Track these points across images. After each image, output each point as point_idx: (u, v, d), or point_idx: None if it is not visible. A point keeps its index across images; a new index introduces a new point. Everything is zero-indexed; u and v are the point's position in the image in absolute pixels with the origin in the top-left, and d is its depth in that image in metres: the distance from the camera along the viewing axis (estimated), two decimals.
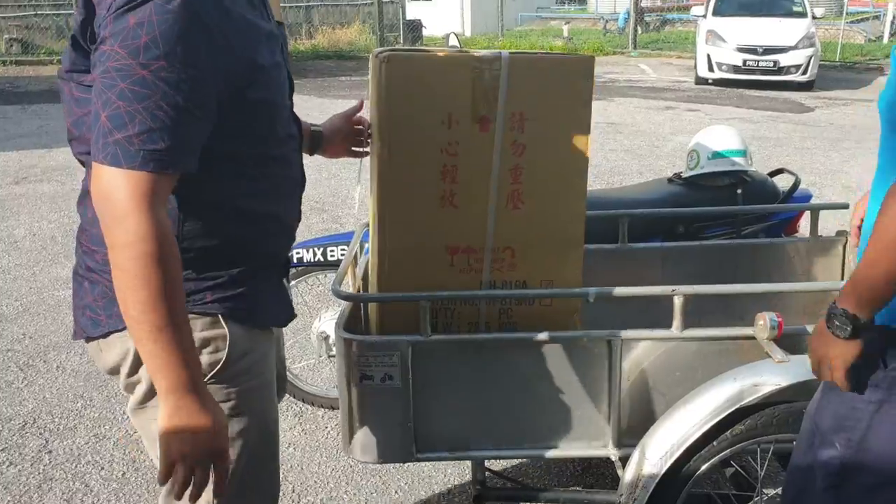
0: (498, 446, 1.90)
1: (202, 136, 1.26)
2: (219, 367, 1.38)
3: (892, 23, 17.94)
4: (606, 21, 20.93)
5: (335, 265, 2.90)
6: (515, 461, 2.82)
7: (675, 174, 3.12)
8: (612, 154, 7.55)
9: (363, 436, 1.86)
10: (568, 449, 1.91)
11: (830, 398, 1.51)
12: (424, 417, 1.86)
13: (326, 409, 3.19)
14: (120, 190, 1.17)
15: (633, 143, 8.09)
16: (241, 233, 1.39)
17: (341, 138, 1.92)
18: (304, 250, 2.94)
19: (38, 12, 15.97)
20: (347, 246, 2.66)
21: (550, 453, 1.90)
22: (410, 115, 1.72)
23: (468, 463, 2.63)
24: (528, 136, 1.76)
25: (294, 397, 3.18)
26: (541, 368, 1.86)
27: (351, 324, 1.91)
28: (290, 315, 1.56)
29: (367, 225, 2.33)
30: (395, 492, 2.70)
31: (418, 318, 1.79)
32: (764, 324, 1.75)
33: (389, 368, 1.80)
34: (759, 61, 11.82)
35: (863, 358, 1.40)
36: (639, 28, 18.03)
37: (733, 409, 1.74)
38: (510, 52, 1.71)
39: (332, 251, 2.93)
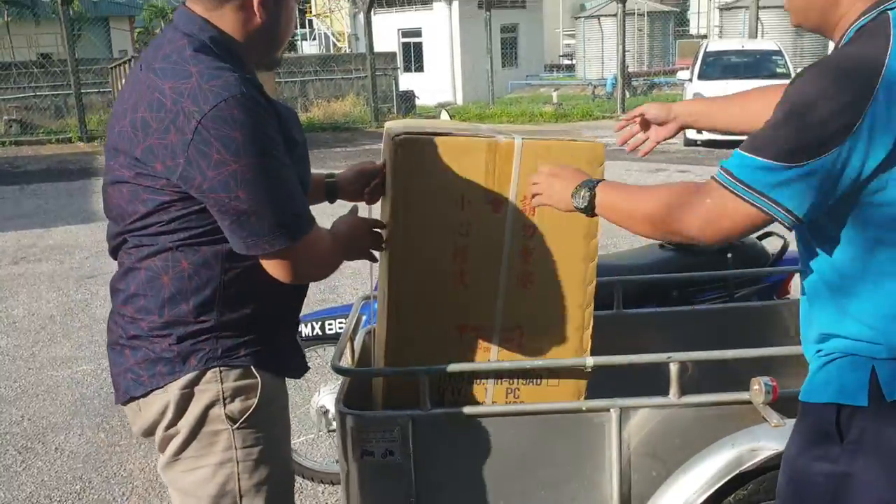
0: None
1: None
2: (250, 412, 1.55)
3: None
4: (595, 86, 21.39)
5: (334, 339, 2.92)
6: None
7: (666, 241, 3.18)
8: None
9: None
10: None
11: (791, 476, 1.49)
12: (427, 493, 1.86)
13: (326, 485, 3.16)
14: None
15: None
16: (268, 298, 1.56)
17: (356, 189, 1.95)
18: (302, 325, 2.97)
19: (38, 93, 16.31)
20: (345, 319, 2.69)
21: None
22: (424, 196, 1.78)
23: None
24: (539, 219, 1.81)
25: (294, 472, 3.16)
26: (542, 440, 1.87)
27: (351, 398, 1.92)
28: (305, 367, 1.73)
29: (367, 298, 2.37)
30: None
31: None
32: (759, 388, 1.77)
33: (390, 444, 1.82)
34: None
35: (817, 435, 1.42)
36: (626, 92, 18.44)
37: (733, 474, 1.75)
38: (523, 139, 1.78)
39: (329, 325, 2.95)
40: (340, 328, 2.92)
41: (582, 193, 1.56)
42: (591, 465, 1.88)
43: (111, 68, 15.39)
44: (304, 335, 2.97)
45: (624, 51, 17.89)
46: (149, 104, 1.42)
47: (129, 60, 13.14)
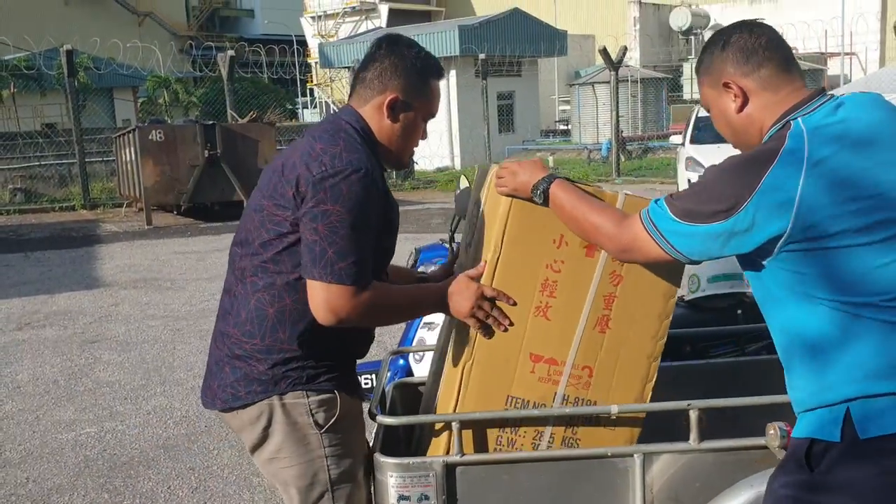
0: None
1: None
2: (333, 421, 1.91)
3: None
4: (590, 151, 21.75)
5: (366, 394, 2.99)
6: None
7: (678, 297, 3.25)
8: None
9: None
10: None
11: (773, 498, 1.59)
12: None
13: None
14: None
15: None
16: (346, 337, 1.92)
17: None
18: None
19: (42, 162, 16.54)
20: (371, 375, 2.75)
21: None
22: (531, 230, 1.89)
23: None
24: (627, 270, 1.91)
25: None
26: (570, 485, 1.90)
27: (385, 447, 1.98)
28: (363, 393, 2.14)
29: (395, 353, 2.48)
30: None
31: (484, 435, 1.91)
32: (774, 433, 1.81)
33: (425, 488, 1.88)
34: None
35: (793, 464, 1.56)
36: (621, 156, 18.76)
37: None
38: (626, 193, 1.89)
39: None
40: (365, 383, 2.98)
41: (541, 188, 1.82)
42: None
43: (115, 137, 15.66)
44: None
45: (618, 116, 18.28)
46: (301, 154, 1.82)
47: (134, 130, 13.37)
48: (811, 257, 1.49)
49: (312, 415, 1.89)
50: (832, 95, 1.60)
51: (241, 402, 1.90)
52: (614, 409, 1.90)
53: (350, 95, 1.98)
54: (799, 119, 1.54)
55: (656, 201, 1.65)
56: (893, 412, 1.46)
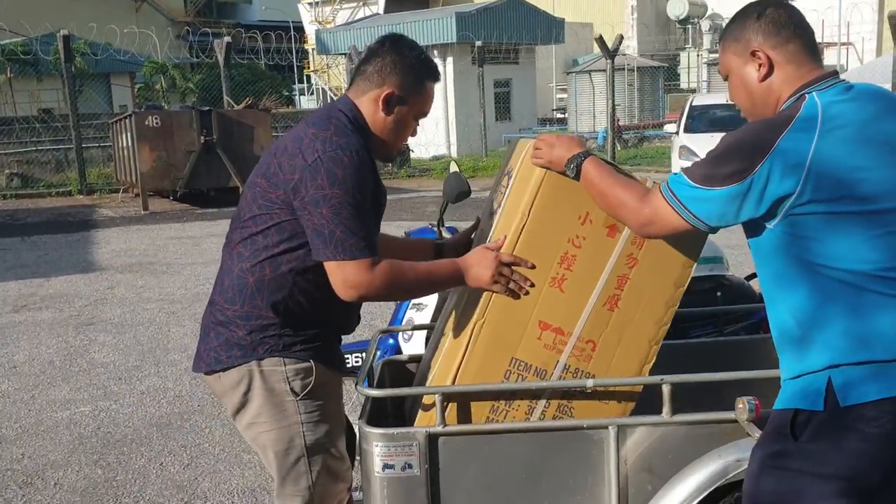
0: None
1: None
2: (308, 389, 2.03)
3: None
4: (586, 139, 21.77)
5: (353, 372, 3.04)
6: None
7: None
8: None
9: None
10: None
11: (754, 471, 1.67)
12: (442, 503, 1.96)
13: None
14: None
15: None
16: (323, 312, 2.04)
17: (459, 249, 2.31)
18: None
19: (39, 147, 16.55)
20: (361, 353, 2.83)
21: None
22: (557, 203, 1.97)
23: None
24: (643, 255, 2.00)
25: None
26: (547, 455, 1.98)
27: (371, 419, 2.07)
28: (345, 368, 2.22)
29: (384, 332, 2.55)
30: None
31: (485, 407, 2.01)
32: (743, 407, 1.88)
33: (409, 457, 1.96)
34: None
35: (777, 434, 1.65)
36: (617, 145, 18.81)
37: (720, 483, 1.87)
38: (654, 181, 1.95)
39: (346, 358, 3.08)
40: (356, 362, 3.06)
41: (575, 163, 1.91)
42: (591, 478, 1.98)
43: (111, 123, 15.67)
44: None
45: (614, 105, 18.30)
46: (293, 138, 1.97)
47: (130, 116, 13.39)
48: (813, 220, 1.58)
49: (289, 382, 2.01)
50: (844, 79, 1.70)
51: (222, 366, 2.03)
52: (589, 382, 1.97)
53: (349, 86, 2.10)
54: (814, 93, 1.64)
55: (675, 174, 1.73)
56: (872, 380, 1.54)
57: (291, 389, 2.02)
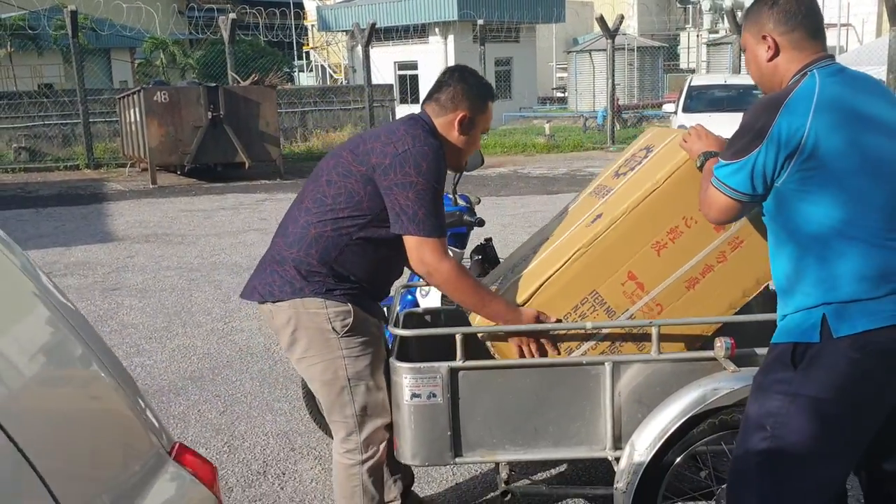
0: (519, 451, 2.36)
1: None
2: (347, 328, 2.39)
3: None
4: (586, 119, 22.02)
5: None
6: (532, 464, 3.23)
7: None
8: None
9: (411, 443, 2.33)
10: (575, 452, 2.38)
11: (757, 396, 2.00)
12: (461, 428, 2.33)
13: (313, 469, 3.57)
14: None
15: None
16: (364, 272, 2.43)
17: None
18: None
19: (46, 122, 16.79)
20: (386, 308, 3.20)
21: (561, 455, 2.37)
22: (684, 183, 2.30)
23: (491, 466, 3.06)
24: (734, 257, 2.36)
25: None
26: (551, 387, 2.33)
27: (401, 355, 2.44)
28: (381, 314, 2.57)
29: (405, 286, 2.92)
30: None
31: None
32: (721, 345, 2.24)
33: (433, 388, 2.30)
34: None
35: (778, 364, 1.95)
36: (616, 124, 19.07)
37: (699, 408, 2.22)
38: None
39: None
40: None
41: (701, 160, 2.22)
42: (589, 408, 2.34)
43: (118, 98, 15.89)
44: None
45: (613, 84, 18.55)
46: (387, 131, 2.41)
47: (139, 91, 13.63)
48: (815, 173, 1.87)
49: (331, 321, 2.37)
50: (838, 62, 2.02)
51: (273, 298, 2.41)
52: (588, 325, 2.32)
53: (423, 106, 2.53)
54: (815, 70, 1.95)
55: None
56: (860, 315, 1.86)
57: (333, 328, 2.37)
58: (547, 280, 2.35)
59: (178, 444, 1.45)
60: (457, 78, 2.50)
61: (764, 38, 2.03)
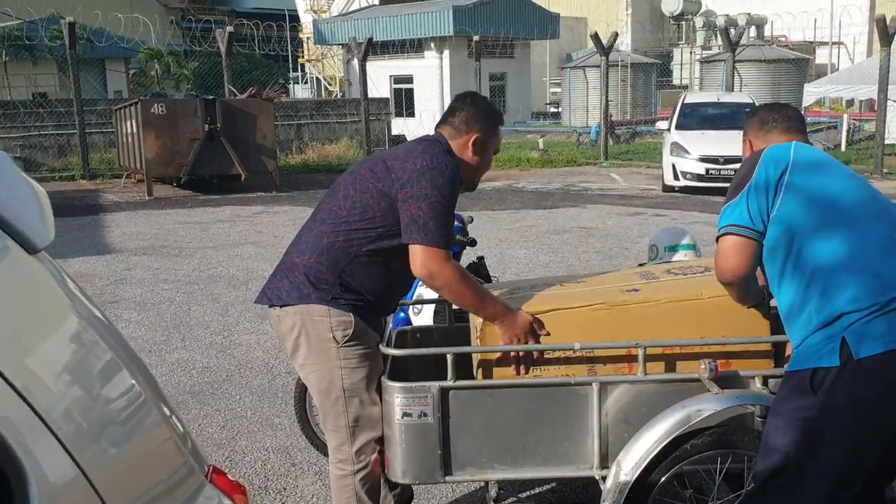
0: (508, 470, 2.44)
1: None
2: (349, 337, 2.48)
3: (849, 132, 19.25)
4: (579, 134, 22.15)
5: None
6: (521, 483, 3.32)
7: (640, 264, 3.76)
8: (585, 255, 8.28)
9: (402, 461, 2.42)
10: (563, 471, 2.47)
11: (778, 424, 2.09)
12: (451, 447, 2.41)
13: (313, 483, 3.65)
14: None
15: (604, 245, 8.83)
16: (370, 285, 2.53)
17: None
18: None
19: (42, 132, 16.85)
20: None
21: (549, 474, 2.46)
22: (716, 306, 2.50)
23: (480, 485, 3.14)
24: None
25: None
26: (540, 407, 2.43)
27: (393, 373, 2.51)
28: (382, 332, 2.70)
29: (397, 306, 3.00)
30: None
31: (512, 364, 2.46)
32: (704, 367, 2.34)
33: (424, 407, 2.38)
34: (720, 170, 12.69)
35: (797, 389, 2.06)
36: (610, 140, 19.21)
37: (683, 429, 2.31)
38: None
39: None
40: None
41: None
42: (577, 427, 2.43)
43: (115, 110, 15.97)
44: None
45: (607, 101, 18.72)
46: (405, 150, 2.57)
47: (136, 103, 13.71)
48: (800, 196, 2.15)
49: (332, 330, 2.46)
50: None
51: (281, 302, 2.53)
52: (577, 345, 2.42)
53: (437, 129, 2.69)
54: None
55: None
56: (880, 336, 1.96)
57: (333, 337, 2.47)
58: (561, 309, 2.48)
59: (211, 467, 1.46)
60: (469, 103, 2.67)
61: (745, 139, 2.54)
